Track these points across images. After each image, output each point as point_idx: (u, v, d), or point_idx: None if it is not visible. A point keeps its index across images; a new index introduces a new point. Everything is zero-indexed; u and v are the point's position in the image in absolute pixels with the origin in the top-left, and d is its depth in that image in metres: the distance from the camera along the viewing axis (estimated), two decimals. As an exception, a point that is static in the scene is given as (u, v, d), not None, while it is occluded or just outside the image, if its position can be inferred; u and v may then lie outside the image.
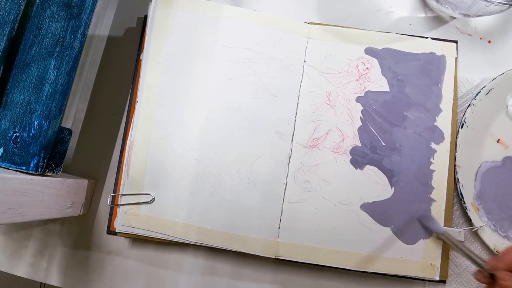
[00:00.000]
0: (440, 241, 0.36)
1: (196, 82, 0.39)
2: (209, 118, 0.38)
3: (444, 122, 0.38)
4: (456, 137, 0.38)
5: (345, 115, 0.39)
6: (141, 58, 0.39)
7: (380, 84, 0.39)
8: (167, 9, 0.39)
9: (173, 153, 0.38)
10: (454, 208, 0.38)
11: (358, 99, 0.39)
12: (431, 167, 0.38)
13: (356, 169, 0.38)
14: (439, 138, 0.38)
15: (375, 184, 0.37)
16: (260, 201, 0.37)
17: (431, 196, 0.37)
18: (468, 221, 0.38)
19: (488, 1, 0.34)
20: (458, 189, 0.37)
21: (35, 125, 0.32)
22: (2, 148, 0.32)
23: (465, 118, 0.38)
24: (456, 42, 0.40)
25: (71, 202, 0.36)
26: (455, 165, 0.38)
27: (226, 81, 0.39)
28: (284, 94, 0.39)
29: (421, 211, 0.37)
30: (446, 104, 0.38)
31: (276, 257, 0.36)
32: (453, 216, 0.38)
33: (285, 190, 0.37)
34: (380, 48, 0.40)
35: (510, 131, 0.39)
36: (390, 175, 0.38)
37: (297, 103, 0.39)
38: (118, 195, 0.37)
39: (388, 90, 0.39)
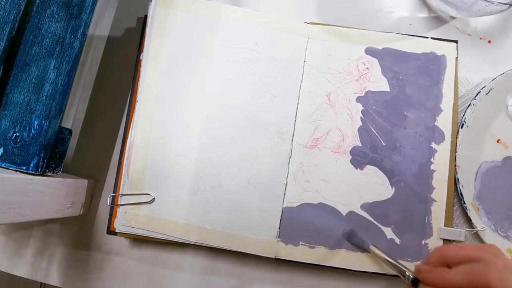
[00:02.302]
0: (441, 241, 0.36)
1: (196, 82, 0.39)
2: (209, 118, 0.38)
3: (444, 122, 0.38)
4: (456, 137, 0.38)
5: (345, 115, 0.39)
6: (141, 58, 0.39)
7: (380, 84, 0.39)
8: (167, 9, 0.39)
9: (173, 153, 0.38)
10: (454, 208, 0.38)
11: (358, 99, 0.39)
12: (432, 167, 0.38)
13: (356, 169, 0.38)
14: (440, 138, 0.38)
15: (375, 184, 0.37)
16: (260, 201, 0.37)
17: (432, 196, 0.37)
18: (468, 221, 0.38)
19: (488, 1, 0.34)
20: (458, 189, 0.37)
21: (35, 125, 0.32)
22: (2, 148, 0.32)
23: (465, 118, 0.38)
24: (456, 42, 0.40)
25: (71, 202, 0.36)
26: (455, 165, 0.38)
27: (226, 81, 0.39)
28: (284, 94, 0.39)
29: (349, 229, 0.36)
30: (447, 104, 0.38)
31: (276, 257, 0.36)
32: (453, 216, 0.38)
33: (285, 190, 0.37)
34: (380, 48, 0.40)
35: (510, 131, 0.39)
36: (391, 175, 0.38)
37: (297, 103, 0.39)
38: (118, 195, 0.37)
39: (389, 90, 0.39)
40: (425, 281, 0.27)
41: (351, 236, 0.36)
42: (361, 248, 0.36)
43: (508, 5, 0.35)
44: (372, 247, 0.35)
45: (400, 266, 0.31)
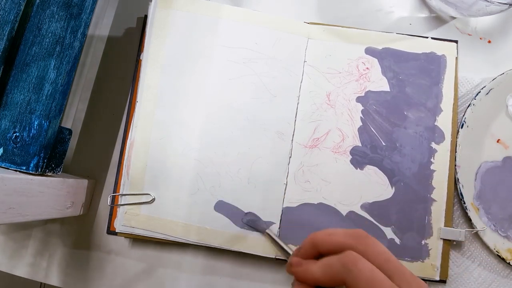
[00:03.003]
0: (441, 241, 0.36)
1: (196, 82, 0.39)
2: (209, 118, 0.38)
3: (444, 122, 0.38)
4: (456, 137, 0.38)
5: (345, 115, 0.39)
6: (141, 58, 0.39)
7: (380, 84, 0.39)
8: (167, 9, 0.39)
9: (173, 153, 0.38)
10: (454, 208, 0.38)
11: (358, 99, 0.39)
12: (432, 167, 0.38)
13: (357, 169, 0.38)
14: (440, 138, 0.38)
15: (375, 184, 0.37)
16: (260, 201, 0.37)
17: (432, 196, 0.37)
18: (468, 221, 0.38)
19: (488, 1, 0.34)
20: (458, 189, 0.37)
21: (35, 125, 0.32)
22: (2, 148, 0.32)
23: (465, 118, 0.38)
24: (456, 42, 0.40)
25: (71, 202, 0.36)
26: (455, 165, 0.38)
27: (226, 81, 0.39)
28: (284, 94, 0.39)
29: (248, 213, 0.37)
30: (447, 104, 0.38)
31: (276, 257, 0.36)
32: (453, 216, 0.38)
33: (285, 190, 0.37)
34: (380, 48, 0.40)
35: (510, 131, 0.39)
36: (391, 175, 0.38)
37: (297, 103, 0.39)
38: (118, 195, 0.37)
39: (389, 90, 0.39)
40: (295, 275, 0.26)
41: (251, 220, 0.37)
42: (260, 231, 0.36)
43: (508, 5, 0.35)
44: (268, 231, 0.36)
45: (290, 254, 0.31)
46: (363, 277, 0.21)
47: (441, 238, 0.36)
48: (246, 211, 0.37)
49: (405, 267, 0.23)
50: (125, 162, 0.38)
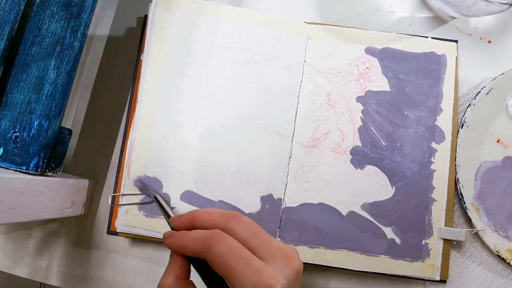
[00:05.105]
0: (441, 241, 0.36)
1: (196, 83, 0.39)
2: (209, 119, 0.38)
3: (444, 121, 0.38)
4: (457, 137, 0.38)
5: (345, 115, 0.39)
6: (141, 58, 0.39)
7: (381, 83, 0.39)
8: (167, 9, 0.39)
9: (174, 154, 0.38)
10: (454, 208, 0.38)
11: (359, 99, 0.39)
12: (432, 167, 0.38)
13: (357, 169, 0.38)
14: (440, 137, 0.38)
15: (375, 184, 0.37)
16: (260, 201, 0.37)
17: (432, 195, 0.37)
18: (468, 221, 0.38)
19: (488, 1, 0.34)
20: (458, 189, 0.37)
21: (35, 125, 0.32)
22: (2, 148, 0.32)
23: (465, 118, 0.38)
24: (456, 41, 0.40)
25: (71, 202, 0.36)
26: (455, 165, 0.38)
27: (226, 81, 0.39)
28: (284, 94, 0.39)
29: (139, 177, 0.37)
30: (447, 104, 0.38)
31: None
32: (453, 216, 0.38)
33: (285, 190, 0.37)
34: (380, 47, 0.40)
35: (510, 131, 0.39)
36: (391, 175, 0.38)
37: (297, 103, 0.39)
38: (118, 195, 0.37)
39: (389, 90, 0.39)
40: (167, 246, 0.28)
41: (142, 184, 0.36)
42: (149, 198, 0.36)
43: (508, 5, 0.35)
44: (157, 196, 0.35)
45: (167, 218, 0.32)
46: (217, 252, 0.23)
47: (441, 238, 0.36)
48: (145, 175, 0.37)
49: (275, 240, 0.25)
50: (125, 162, 0.38)
